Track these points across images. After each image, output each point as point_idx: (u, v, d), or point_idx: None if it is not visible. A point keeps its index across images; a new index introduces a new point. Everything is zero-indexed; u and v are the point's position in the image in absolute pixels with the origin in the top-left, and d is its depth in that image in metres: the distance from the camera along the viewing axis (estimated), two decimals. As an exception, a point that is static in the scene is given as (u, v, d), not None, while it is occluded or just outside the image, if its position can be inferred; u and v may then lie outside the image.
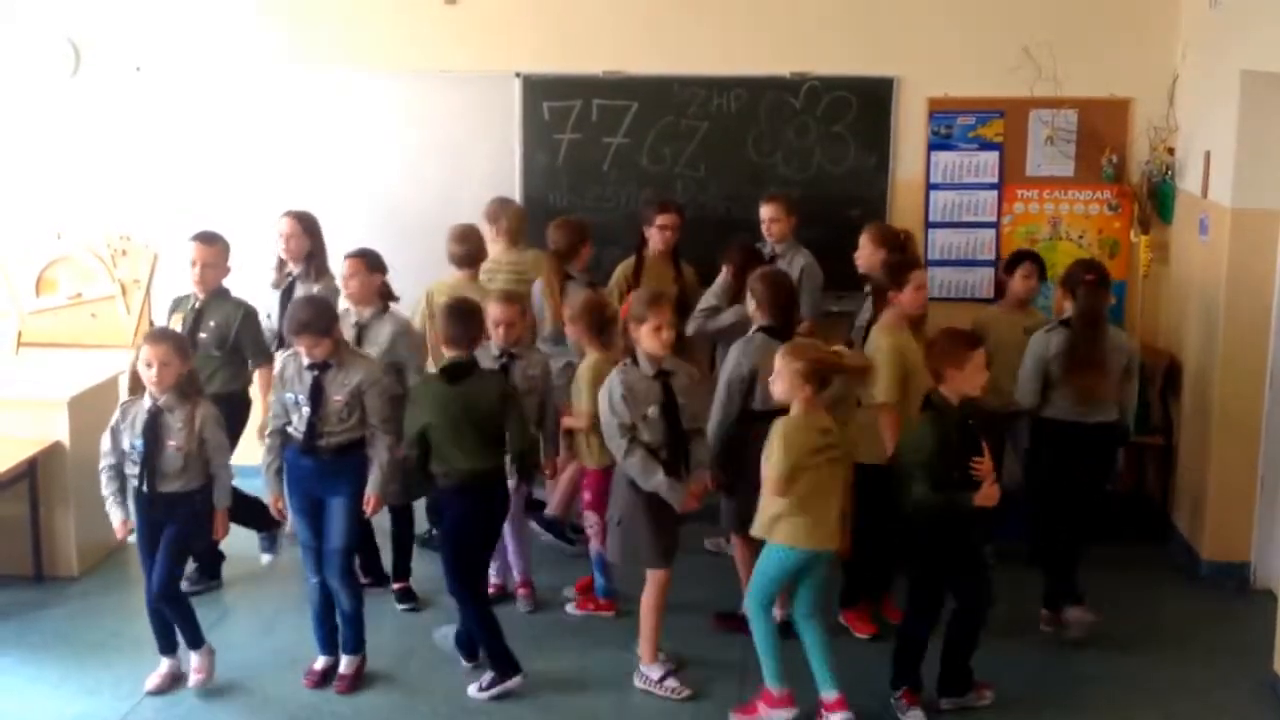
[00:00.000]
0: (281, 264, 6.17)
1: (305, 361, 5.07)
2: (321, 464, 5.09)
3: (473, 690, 5.13)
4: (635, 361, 5.09)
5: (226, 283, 5.93)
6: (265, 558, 6.05)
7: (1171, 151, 6.65)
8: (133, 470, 5.02)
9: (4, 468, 5.70)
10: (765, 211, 6.39)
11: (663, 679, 5.17)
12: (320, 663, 5.24)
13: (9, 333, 7.06)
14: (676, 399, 5.07)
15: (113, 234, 7.15)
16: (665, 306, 5.07)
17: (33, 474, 5.93)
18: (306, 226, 6.10)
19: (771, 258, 6.28)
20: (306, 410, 5.05)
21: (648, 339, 5.03)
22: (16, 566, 6.01)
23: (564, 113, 6.97)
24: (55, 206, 7.19)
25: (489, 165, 6.97)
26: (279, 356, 5.37)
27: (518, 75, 6.96)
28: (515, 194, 6.94)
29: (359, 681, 5.19)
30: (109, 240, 7.16)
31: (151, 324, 7.03)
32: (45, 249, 7.19)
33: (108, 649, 5.45)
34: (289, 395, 5.09)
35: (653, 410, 5.03)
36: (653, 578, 5.18)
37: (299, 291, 5.95)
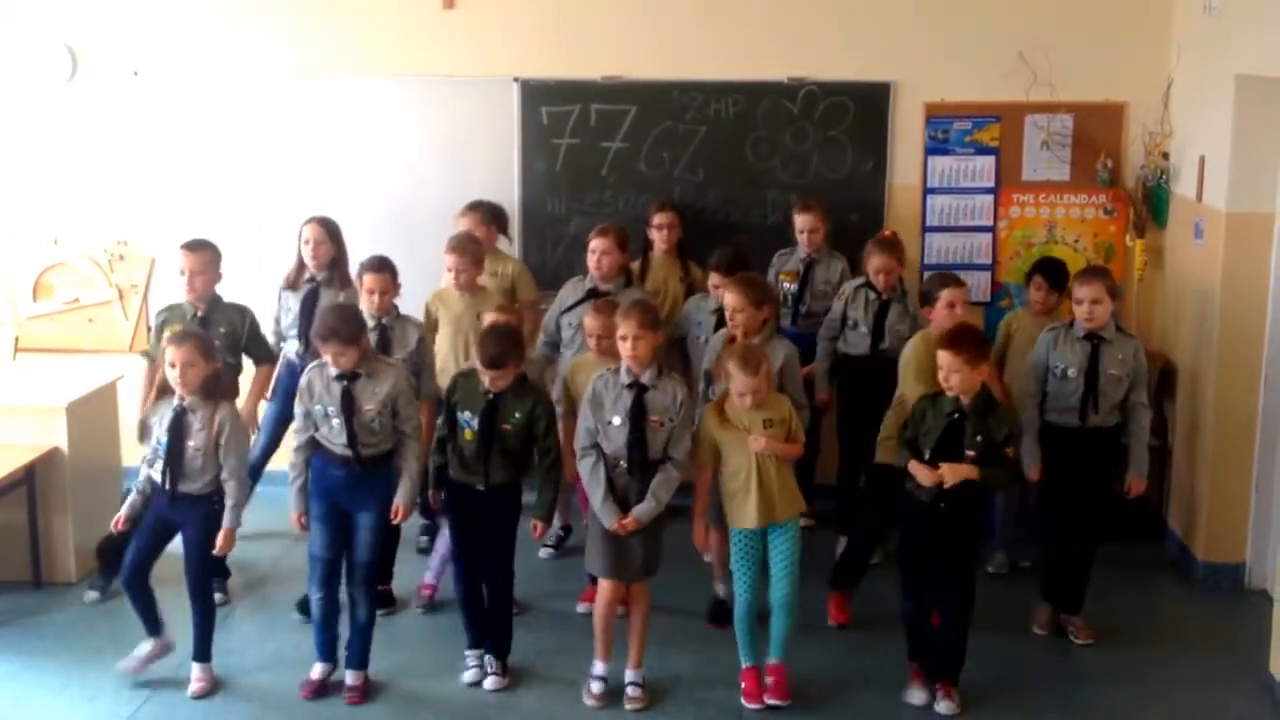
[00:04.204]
0: (301, 267, 6.09)
1: (333, 372, 5.02)
2: (353, 475, 5.05)
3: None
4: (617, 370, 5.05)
5: (219, 289, 5.85)
6: (90, 595, 5.91)
7: (1166, 156, 6.67)
8: (156, 467, 5.04)
9: (2, 473, 5.69)
10: (802, 221, 6.44)
11: (593, 679, 5.12)
12: (318, 671, 5.18)
13: (6, 338, 7.05)
14: (646, 413, 4.96)
15: (110, 239, 7.16)
16: (628, 316, 4.97)
17: (31, 480, 5.91)
18: (331, 233, 6.05)
19: (809, 264, 6.44)
20: (339, 422, 4.99)
21: (619, 347, 5.03)
22: (15, 572, 6.00)
23: (562, 117, 6.97)
24: (52, 212, 7.17)
25: (488, 170, 6.95)
26: (306, 370, 5.18)
27: (516, 80, 6.97)
28: (514, 199, 6.95)
29: (369, 693, 5.16)
30: (106, 245, 7.17)
31: (149, 329, 7.04)
32: (42, 254, 7.20)
33: (107, 654, 5.42)
34: (318, 407, 5.03)
35: (617, 419, 4.98)
36: (601, 586, 5.14)
37: (324, 299, 5.88)
